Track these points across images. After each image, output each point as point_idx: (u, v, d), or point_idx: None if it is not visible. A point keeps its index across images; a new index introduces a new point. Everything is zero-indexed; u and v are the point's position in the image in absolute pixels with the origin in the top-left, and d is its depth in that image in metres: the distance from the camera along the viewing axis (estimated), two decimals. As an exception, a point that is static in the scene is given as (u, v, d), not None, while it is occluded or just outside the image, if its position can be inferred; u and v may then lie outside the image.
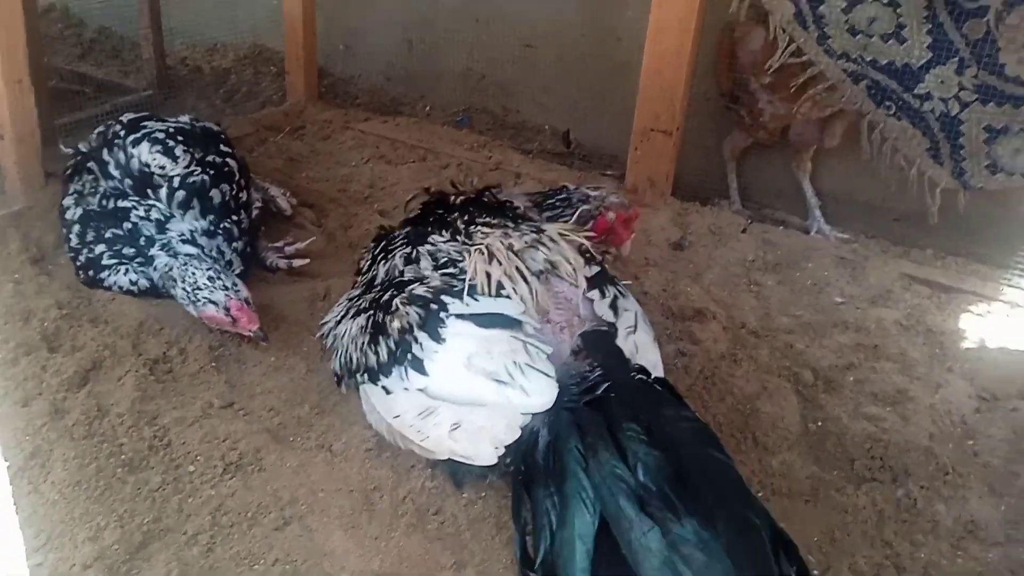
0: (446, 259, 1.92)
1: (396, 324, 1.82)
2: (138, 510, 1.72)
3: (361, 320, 1.90)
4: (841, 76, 2.83)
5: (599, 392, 1.67)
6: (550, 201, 2.33)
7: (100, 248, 2.35)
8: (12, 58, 2.67)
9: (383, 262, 2.03)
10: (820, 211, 3.12)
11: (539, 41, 3.79)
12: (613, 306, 1.90)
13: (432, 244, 1.98)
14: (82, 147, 2.54)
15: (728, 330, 2.48)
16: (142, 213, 2.36)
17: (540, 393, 1.66)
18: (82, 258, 2.37)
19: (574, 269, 1.92)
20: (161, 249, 2.31)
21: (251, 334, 2.19)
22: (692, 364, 2.31)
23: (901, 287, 2.72)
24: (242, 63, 4.44)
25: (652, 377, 1.77)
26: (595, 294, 1.90)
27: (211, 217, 2.39)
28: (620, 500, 1.45)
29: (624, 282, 2.06)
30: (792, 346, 2.42)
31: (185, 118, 2.65)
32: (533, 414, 1.67)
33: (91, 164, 2.47)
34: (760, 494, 1.92)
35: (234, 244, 2.41)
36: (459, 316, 1.77)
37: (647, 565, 1.37)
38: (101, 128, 2.56)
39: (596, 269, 1.98)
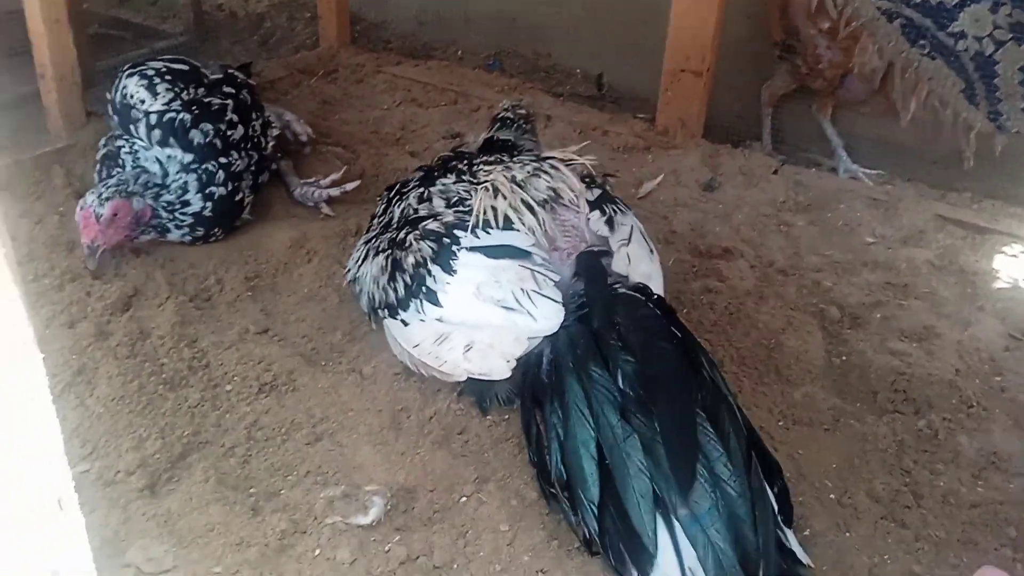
0: (457, 198, 1.97)
1: (411, 259, 1.88)
2: (178, 424, 1.80)
3: (381, 260, 1.96)
4: (875, 14, 2.78)
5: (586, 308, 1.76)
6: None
7: (103, 184, 2.35)
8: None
9: (398, 203, 2.08)
10: (845, 151, 3.08)
11: (571, -17, 3.76)
12: (609, 222, 1.96)
13: (443, 185, 2.03)
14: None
15: (755, 268, 2.49)
16: (128, 149, 2.41)
17: (547, 318, 1.73)
18: None
19: (576, 194, 1.97)
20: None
21: (83, 245, 2.18)
22: (718, 301, 2.33)
23: (934, 228, 2.69)
24: (276, 8, 4.45)
25: (630, 285, 1.82)
26: (595, 214, 1.96)
27: (192, 155, 2.39)
28: (605, 408, 1.57)
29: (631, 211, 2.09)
30: (820, 284, 2.43)
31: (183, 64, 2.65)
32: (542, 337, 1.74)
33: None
34: (780, 423, 1.95)
35: (210, 189, 2.37)
36: (470, 249, 1.83)
37: (624, 469, 1.49)
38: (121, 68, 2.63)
39: (598, 192, 2.03)
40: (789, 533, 1.58)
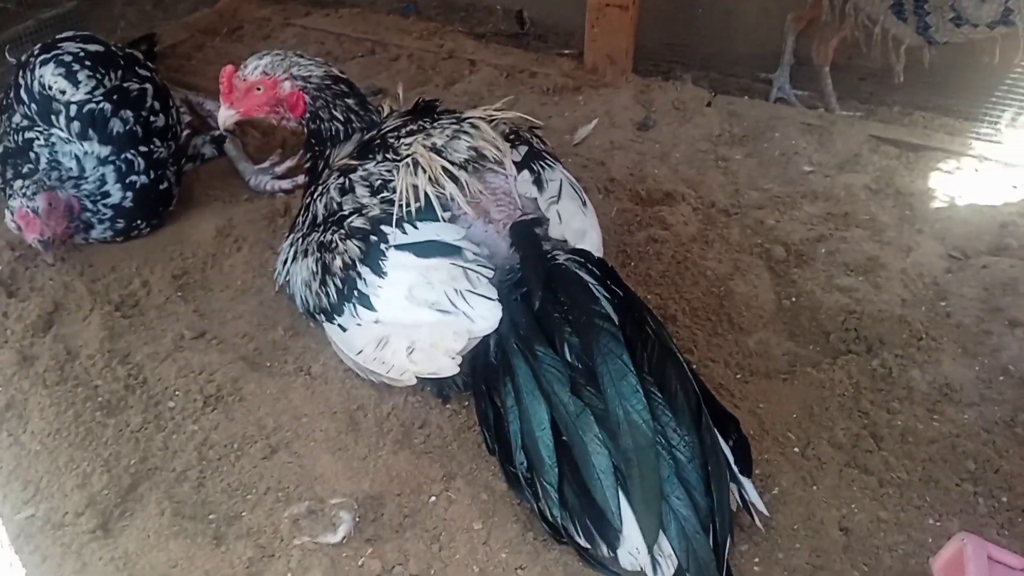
0: (380, 181, 1.86)
1: (339, 261, 1.79)
2: (123, 452, 1.72)
3: (310, 263, 1.87)
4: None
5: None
6: None
7: (18, 184, 2.21)
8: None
9: (320, 197, 1.95)
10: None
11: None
12: (537, 181, 1.89)
13: (364, 170, 1.90)
14: (13, 79, 2.40)
15: (698, 211, 2.46)
16: (42, 141, 2.25)
17: (485, 318, 1.67)
18: (7, 196, 2.27)
19: (500, 151, 1.89)
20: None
21: (34, 244, 2.12)
22: (664, 250, 2.30)
23: (869, 149, 2.69)
24: (169, -38, 4.16)
25: (567, 250, 1.77)
26: (523, 174, 1.88)
27: (110, 147, 2.25)
28: (555, 386, 1.54)
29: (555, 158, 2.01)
30: (763, 222, 2.41)
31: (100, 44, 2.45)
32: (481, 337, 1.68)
33: (13, 93, 2.35)
34: (738, 376, 1.95)
35: (130, 178, 2.25)
36: (398, 247, 1.74)
37: (583, 446, 1.49)
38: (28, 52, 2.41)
39: (524, 149, 1.95)
40: (748, 484, 1.60)
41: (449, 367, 1.67)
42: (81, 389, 1.84)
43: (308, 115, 2.02)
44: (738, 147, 2.77)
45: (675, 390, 1.55)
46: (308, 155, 2.09)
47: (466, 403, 1.82)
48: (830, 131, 2.78)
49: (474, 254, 1.72)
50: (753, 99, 3.02)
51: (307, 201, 2.01)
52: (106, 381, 1.86)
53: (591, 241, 1.88)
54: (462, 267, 1.70)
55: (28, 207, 2.09)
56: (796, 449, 1.77)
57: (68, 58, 2.30)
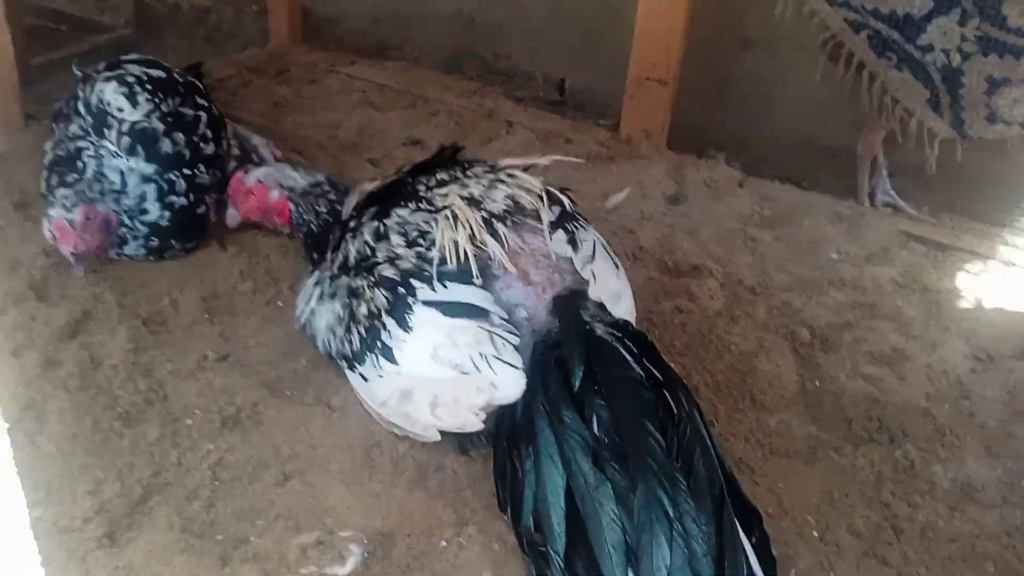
0: (416, 232, 1.86)
1: (364, 309, 1.80)
2: (137, 464, 1.70)
3: (337, 308, 1.88)
4: (842, 25, 2.78)
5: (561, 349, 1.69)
6: None
7: (61, 192, 2.25)
8: (-14, -4, 2.56)
9: (352, 239, 1.96)
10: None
11: (532, -17, 3.69)
12: (572, 241, 1.89)
13: (399, 217, 1.92)
14: (71, 88, 2.47)
15: (725, 287, 2.47)
16: (92, 152, 2.30)
17: (507, 385, 1.66)
18: (48, 202, 2.30)
19: (536, 198, 1.90)
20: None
21: (66, 255, 2.16)
22: (689, 321, 2.30)
23: (898, 244, 2.71)
24: (222, 1, 4.28)
25: (608, 321, 1.76)
26: (558, 234, 1.89)
27: (155, 166, 2.30)
28: (577, 454, 1.51)
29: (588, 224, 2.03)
30: (789, 304, 2.42)
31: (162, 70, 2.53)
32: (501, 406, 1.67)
33: (71, 104, 2.41)
34: (758, 454, 1.93)
35: (170, 198, 2.30)
36: (426, 303, 1.74)
37: (596, 519, 1.44)
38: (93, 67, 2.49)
39: (558, 210, 1.96)
40: None
41: (473, 423, 1.65)
42: (102, 397, 1.83)
43: (294, 222, 2.18)
44: (768, 229, 2.79)
45: (700, 477, 1.51)
46: (309, 252, 2.18)
47: (482, 451, 1.80)
48: (860, 223, 2.80)
49: (501, 319, 1.72)
50: (785, 184, 3.06)
51: (333, 237, 2.03)
52: (127, 392, 1.86)
53: (625, 303, 1.88)
54: (488, 331, 1.69)
55: (65, 218, 2.12)
56: (815, 532, 1.74)
57: (131, 79, 2.37)
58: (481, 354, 1.66)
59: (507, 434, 1.68)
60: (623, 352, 1.67)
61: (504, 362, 1.66)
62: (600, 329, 1.73)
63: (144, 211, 2.26)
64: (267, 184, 2.19)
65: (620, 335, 1.72)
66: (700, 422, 1.63)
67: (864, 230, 2.77)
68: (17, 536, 1.38)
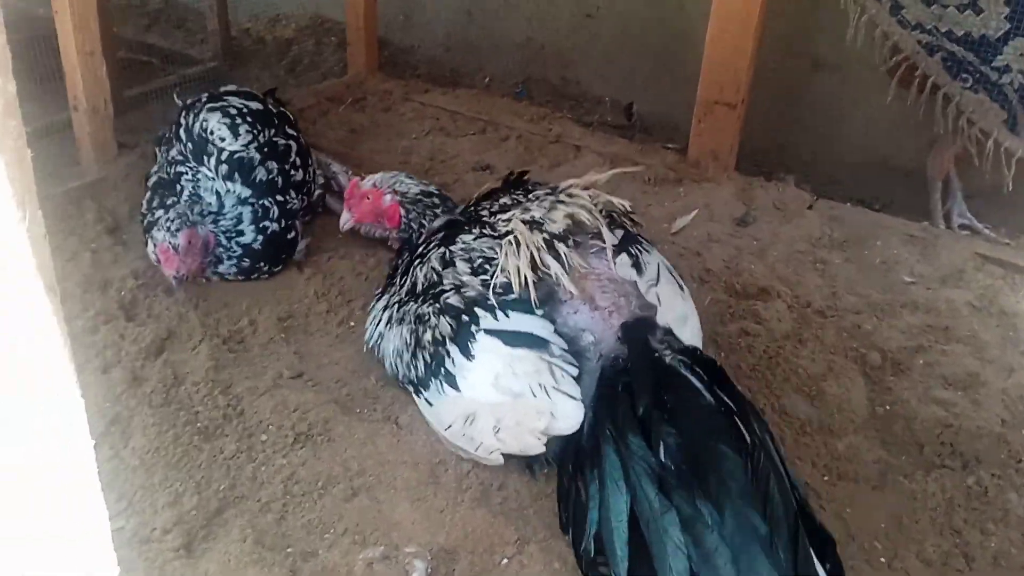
0: (480, 259, 1.92)
1: (429, 335, 1.86)
2: (214, 477, 1.78)
3: (405, 333, 1.94)
4: (916, 48, 2.74)
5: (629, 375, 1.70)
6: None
7: (159, 213, 2.38)
8: (84, 30, 2.71)
9: (420, 266, 2.02)
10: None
11: (599, 10, 3.74)
12: (636, 264, 1.91)
13: (464, 243, 1.98)
14: (173, 115, 2.62)
15: (793, 309, 2.45)
16: (190, 176, 2.43)
17: (565, 416, 1.68)
18: (145, 223, 2.43)
19: (595, 217, 1.92)
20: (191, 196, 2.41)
21: (168, 278, 2.25)
22: (756, 344, 2.29)
23: (973, 267, 2.65)
24: (303, 33, 4.46)
25: (677, 348, 1.76)
26: (621, 257, 1.91)
27: (252, 190, 2.42)
28: (643, 481, 1.50)
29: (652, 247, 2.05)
30: (859, 327, 2.38)
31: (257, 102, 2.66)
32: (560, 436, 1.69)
33: (173, 131, 2.56)
34: (826, 478, 1.91)
35: (264, 223, 2.40)
36: (488, 332, 1.78)
37: (661, 546, 1.42)
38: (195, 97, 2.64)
39: (620, 233, 1.98)
40: None
41: (535, 446, 1.69)
42: (183, 413, 1.92)
43: (403, 225, 2.28)
44: (837, 251, 2.76)
45: (776, 503, 1.49)
46: (394, 262, 2.25)
47: (545, 470, 1.83)
48: (934, 244, 2.75)
49: (561, 349, 1.75)
50: (856, 206, 3.02)
51: (402, 262, 2.09)
52: (206, 408, 1.95)
53: (691, 326, 1.89)
54: (548, 361, 1.72)
55: (170, 242, 2.23)
56: (883, 559, 1.71)
57: (234, 111, 2.52)
58: (540, 384, 1.69)
59: (572, 457, 1.70)
60: (692, 379, 1.68)
61: (562, 392, 1.69)
62: (669, 356, 1.74)
63: (240, 232, 2.38)
64: (381, 189, 2.29)
65: (689, 362, 1.73)
66: (773, 448, 1.61)
67: (938, 252, 2.71)
68: (100, 546, 1.46)
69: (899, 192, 3.07)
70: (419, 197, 2.28)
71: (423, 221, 2.26)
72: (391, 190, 2.28)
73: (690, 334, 1.90)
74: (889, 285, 2.59)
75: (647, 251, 1.99)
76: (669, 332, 1.83)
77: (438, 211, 2.27)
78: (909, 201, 3.05)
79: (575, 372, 1.73)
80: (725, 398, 1.66)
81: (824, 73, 3.27)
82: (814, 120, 3.26)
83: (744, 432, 1.60)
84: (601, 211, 1.96)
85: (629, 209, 2.07)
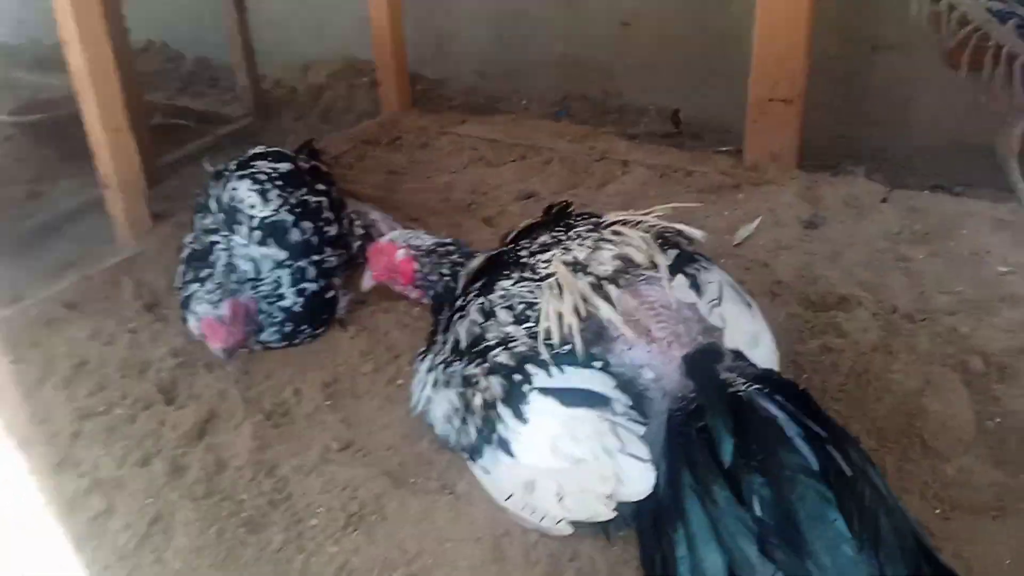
0: (522, 306, 1.75)
1: (478, 399, 1.69)
2: (262, 575, 1.65)
3: (453, 397, 1.78)
4: (986, 16, 2.51)
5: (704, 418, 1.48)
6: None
7: (193, 287, 2.30)
8: (109, 108, 2.67)
9: (460, 321, 1.86)
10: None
11: (635, 18, 3.57)
12: (694, 285, 1.72)
13: (503, 291, 1.81)
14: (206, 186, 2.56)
15: (878, 317, 2.23)
16: (223, 245, 2.35)
17: (634, 481, 1.49)
18: (181, 297, 2.35)
19: (648, 255, 1.74)
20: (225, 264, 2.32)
21: (216, 353, 2.15)
22: (841, 360, 2.08)
23: (1074, 249, 2.39)
24: (335, 78, 4.39)
25: (750, 374, 1.55)
26: (677, 279, 1.72)
27: (287, 252, 2.33)
28: (739, 540, 1.31)
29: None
30: (955, 330, 2.15)
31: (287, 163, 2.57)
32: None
33: (204, 199, 2.50)
34: (938, 511, 1.69)
35: (302, 285, 2.31)
36: (542, 391, 1.60)
37: None
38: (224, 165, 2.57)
39: (674, 253, 1.79)
40: None
41: (603, 512, 1.51)
42: (227, 503, 1.80)
43: (417, 281, 2.12)
44: (921, 246, 2.52)
45: (890, 543, 1.29)
46: (434, 317, 2.10)
47: (621, 533, 1.65)
48: (1027, 228, 2.50)
49: (625, 406, 1.57)
50: (935, 193, 2.78)
51: (443, 318, 1.95)
52: (251, 496, 1.82)
53: (765, 346, 1.70)
54: (610, 421, 1.54)
55: (214, 315, 2.14)
56: (1011, 605, 1.49)
57: (263, 177, 2.43)
58: (603, 448, 1.51)
59: (651, 516, 1.51)
60: (774, 409, 1.46)
61: (629, 455, 1.51)
62: (743, 386, 1.53)
63: (280, 296, 2.28)
64: (396, 244, 2.17)
65: (767, 390, 1.51)
66: (877, 480, 1.39)
67: (1034, 235, 2.46)
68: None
69: (979, 172, 2.81)
70: (433, 248, 2.14)
71: (441, 272, 2.11)
72: (405, 245, 2.15)
73: (763, 355, 1.70)
74: (983, 279, 2.35)
75: (706, 268, 1.80)
76: (739, 356, 1.64)
77: (456, 259, 2.12)
78: (992, 181, 2.79)
79: (641, 431, 1.54)
80: (814, 427, 1.46)
81: (885, 54, 3.04)
82: (878, 105, 3.04)
83: (842, 465, 1.40)
84: (651, 247, 1.78)
85: (685, 232, 1.89)
